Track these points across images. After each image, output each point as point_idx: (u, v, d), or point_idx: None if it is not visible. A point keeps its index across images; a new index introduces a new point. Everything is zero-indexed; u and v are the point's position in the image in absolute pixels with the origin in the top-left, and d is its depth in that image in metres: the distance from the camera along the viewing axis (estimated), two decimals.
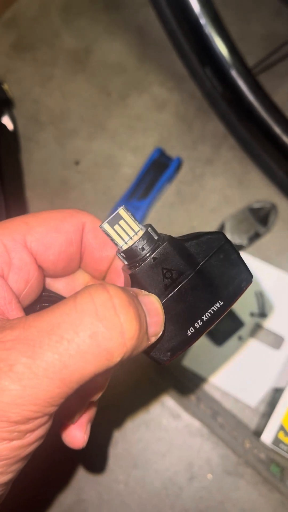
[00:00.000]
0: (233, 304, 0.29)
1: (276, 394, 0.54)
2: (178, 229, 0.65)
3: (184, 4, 0.58)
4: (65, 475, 0.57)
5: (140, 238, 0.27)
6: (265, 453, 0.55)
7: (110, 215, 0.27)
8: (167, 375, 0.59)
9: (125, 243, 0.27)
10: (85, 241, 0.31)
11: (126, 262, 0.28)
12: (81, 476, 0.56)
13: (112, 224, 0.27)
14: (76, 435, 0.32)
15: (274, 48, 0.62)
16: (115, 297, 0.23)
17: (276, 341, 0.58)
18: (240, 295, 0.29)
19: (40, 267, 0.30)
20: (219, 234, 0.29)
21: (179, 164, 0.67)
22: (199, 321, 0.28)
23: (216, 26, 0.57)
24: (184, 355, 0.58)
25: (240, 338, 0.58)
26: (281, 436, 0.48)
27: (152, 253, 0.27)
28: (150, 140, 0.71)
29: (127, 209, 0.27)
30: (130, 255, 0.27)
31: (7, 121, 0.68)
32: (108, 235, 0.27)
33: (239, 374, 0.57)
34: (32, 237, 0.29)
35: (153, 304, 0.26)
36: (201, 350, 0.58)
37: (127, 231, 0.27)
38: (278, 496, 0.54)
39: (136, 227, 0.27)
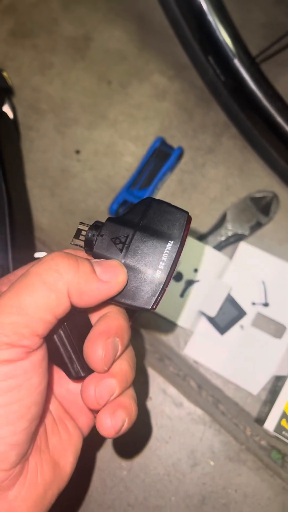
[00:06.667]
0: (184, 240, 0.34)
1: (277, 382, 0.55)
2: None
3: None
4: None
5: (88, 230, 0.34)
6: (266, 440, 0.56)
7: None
8: (169, 362, 0.59)
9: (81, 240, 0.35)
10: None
11: (85, 248, 0.35)
12: (85, 464, 0.57)
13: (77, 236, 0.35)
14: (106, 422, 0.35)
15: (276, 37, 0.62)
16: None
17: (277, 330, 0.59)
18: (187, 231, 0.34)
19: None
20: (146, 198, 0.35)
21: (180, 153, 0.67)
22: (160, 262, 0.33)
23: (219, 14, 0.56)
24: (186, 344, 0.59)
25: (242, 327, 0.59)
26: (284, 423, 0.49)
27: (100, 233, 0.34)
28: (151, 129, 0.70)
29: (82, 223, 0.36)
30: (87, 244, 0.34)
31: (7, 109, 0.68)
32: (76, 245, 0.35)
33: (241, 362, 0.58)
34: None
35: (108, 261, 0.33)
36: (203, 338, 0.59)
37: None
38: (279, 482, 0.55)
39: (86, 227, 0.35)
